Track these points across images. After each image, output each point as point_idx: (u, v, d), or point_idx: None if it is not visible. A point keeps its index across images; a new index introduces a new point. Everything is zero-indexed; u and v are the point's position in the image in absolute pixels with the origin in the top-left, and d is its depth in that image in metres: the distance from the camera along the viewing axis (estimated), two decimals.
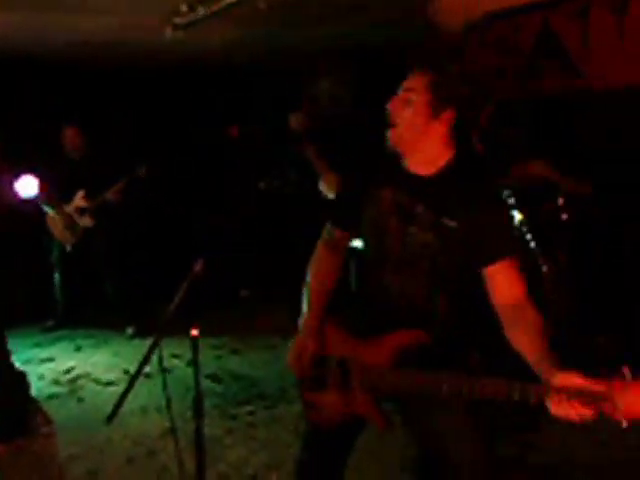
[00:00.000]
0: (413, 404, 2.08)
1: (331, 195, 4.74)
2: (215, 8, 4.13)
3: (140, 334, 5.55)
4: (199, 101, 6.91)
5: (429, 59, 2.00)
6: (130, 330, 5.67)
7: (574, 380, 1.58)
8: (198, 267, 2.03)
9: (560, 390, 1.58)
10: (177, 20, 4.38)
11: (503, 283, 1.92)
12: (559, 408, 1.59)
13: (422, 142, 1.98)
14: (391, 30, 5.25)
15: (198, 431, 2.07)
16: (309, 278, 2.24)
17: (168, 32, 4.46)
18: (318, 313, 2.18)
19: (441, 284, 2.03)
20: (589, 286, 4.33)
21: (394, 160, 2.06)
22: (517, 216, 4.11)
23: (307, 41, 5.56)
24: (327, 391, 2.12)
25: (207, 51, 5.84)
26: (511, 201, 4.15)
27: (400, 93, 1.99)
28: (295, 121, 5.42)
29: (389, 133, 1.99)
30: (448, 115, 1.94)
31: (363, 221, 2.12)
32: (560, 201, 4.33)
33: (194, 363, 2.07)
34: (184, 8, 4.25)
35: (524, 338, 1.80)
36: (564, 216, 4.32)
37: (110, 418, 1.96)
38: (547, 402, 1.61)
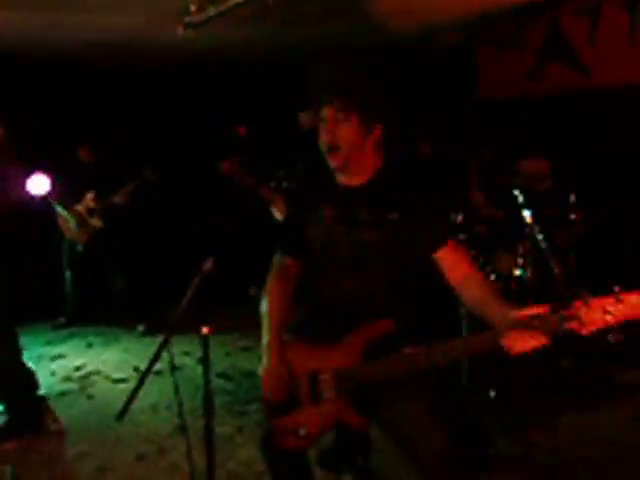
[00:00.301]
0: (386, 406, 2.13)
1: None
2: (225, 7, 4.14)
3: (150, 332, 5.58)
4: (208, 101, 6.92)
5: (350, 80, 2.10)
6: (140, 328, 5.70)
7: (531, 310, 1.80)
8: (208, 265, 2.04)
9: (520, 321, 1.78)
10: (188, 19, 4.39)
11: (452, 263, 2.09)
12: (517, 342, 1.79)
13: (362, 158, 2.12)
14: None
15: (208, 429, 2.08)
16: (264, 307, 2.32)
17: (179, 31, 4.47)
18: (279, 338, 2.23)
19: (393, 278, 2.15)
20: (596, 287, 4.31)
21: (327, 178, 2.20)
22: (527, 215, 4.09)
23: (311, 38, 5.56)
24: (302, 410, 2.15)
25: (218, 50, 5.85)
26: (520, 200, 4.13)
27: (328, 118, 2.08)
28: (305, 118, 5.41)
29: (333, 157, 2.10)
30: (378, 129, 2.11)
31: (310, 240, 2.23)
32: (572, 198, 4.31)
33: (204, 361, 2.08)
34: (193, 7, 4.27)
35: (478, 296, 2.01)
36: (572, 216, 4.30)
37: (121, 415, 1.97)
38: (505, 343, 1.80)
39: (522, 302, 4.25)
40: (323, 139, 2.10)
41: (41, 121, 6.03)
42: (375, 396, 2.11)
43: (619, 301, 1.70)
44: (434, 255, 2.09)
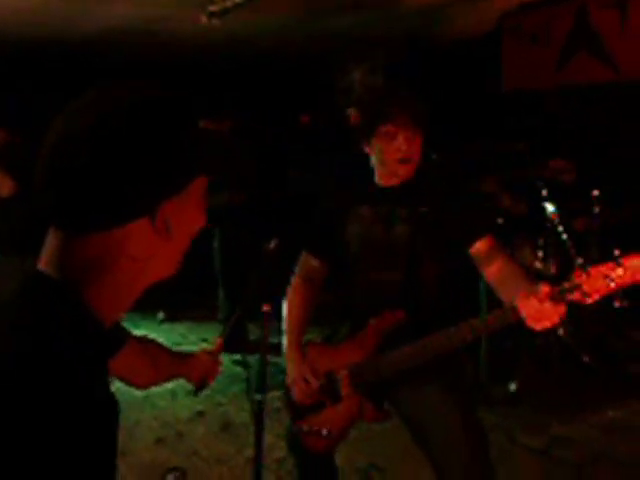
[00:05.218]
0: (404, 397, 2.14)
1: None
2: None
3: (170, 319, 5.63)
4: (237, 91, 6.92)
5: (421, 104, 2.15)
6: (160, 315, 5.75)
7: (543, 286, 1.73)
8: (272, 245, 1.99)
9: (534, 293, 1.72)
10: (212, 8, 4.39)
11: (486, 259, 2.06)
12: (538, 317, 1.73)
13: None
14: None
15: (260, 406, 2.04)
16: (285, 309, 2.32)
17: (204, 20, 4.48)
18: (299, 344, 2.26)
19: (425, 272, 2.15)
20: None
21: (362, 179, 2.23)
22: (550, 208, 4.06)
23: (333, 29, 5.54)
24: (324, 410, 2.16)
25: (242, 40, 5.85)
26: (544, 193, 4.11)
27: (404, 134, 2.08)
28: (354, 113, 5.37)
29: (406, 168, 2.11)
30: None
31: (348, 237, 2.24)
32: (594, 193, 4.28)
33: (263, 339, 2.01)
34: None
35: (510, 288, 1.93)
36: (596, 209, 4.27)
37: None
38: (525, 316, 1.75)
39: None
40: (398, 151, 2.08)
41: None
42: (393, 388, 2.12)
43: (620, 265, 1.66)
44: (470, 250, 2.08)
